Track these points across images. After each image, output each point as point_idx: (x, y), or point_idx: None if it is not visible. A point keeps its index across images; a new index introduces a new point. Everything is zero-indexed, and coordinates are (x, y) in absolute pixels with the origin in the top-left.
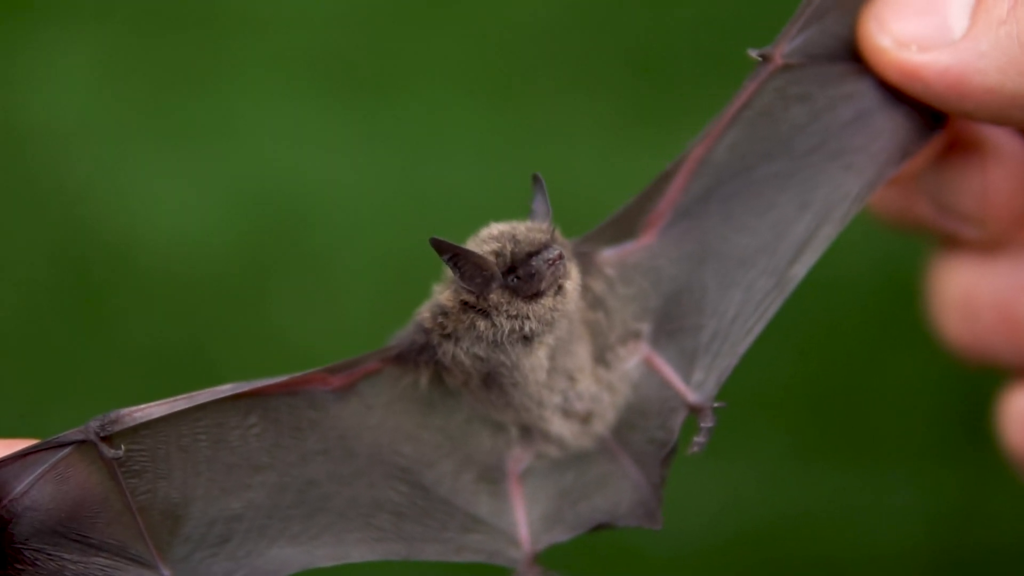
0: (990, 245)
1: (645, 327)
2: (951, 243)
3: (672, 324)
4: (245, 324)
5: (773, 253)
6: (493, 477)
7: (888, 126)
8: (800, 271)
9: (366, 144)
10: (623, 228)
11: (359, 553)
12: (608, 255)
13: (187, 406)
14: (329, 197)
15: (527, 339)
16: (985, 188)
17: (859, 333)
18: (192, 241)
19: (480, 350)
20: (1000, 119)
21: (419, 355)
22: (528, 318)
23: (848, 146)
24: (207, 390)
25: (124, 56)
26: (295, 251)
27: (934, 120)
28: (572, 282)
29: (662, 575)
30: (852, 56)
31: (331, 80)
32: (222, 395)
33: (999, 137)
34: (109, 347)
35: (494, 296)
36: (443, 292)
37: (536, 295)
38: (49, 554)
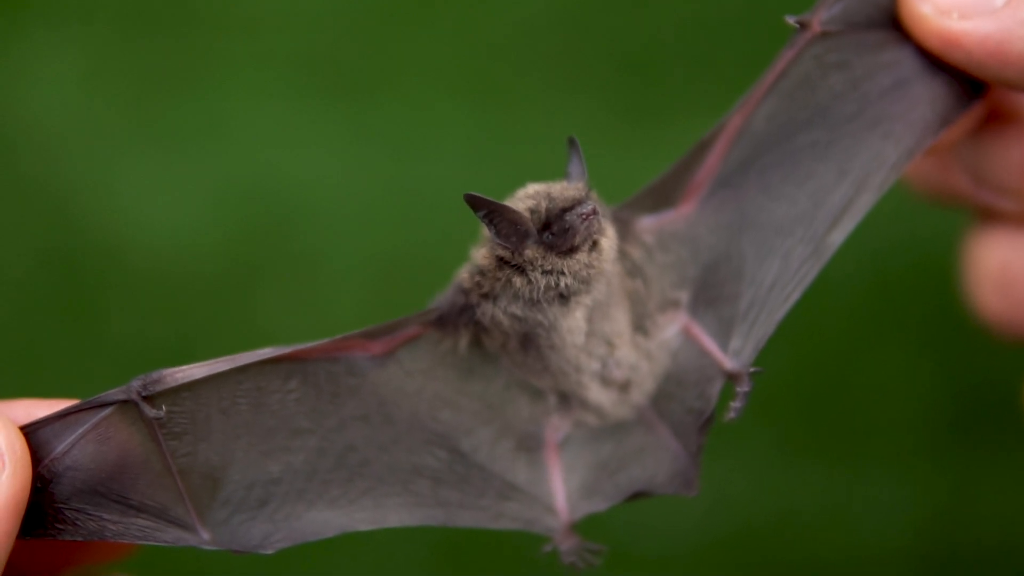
0: None
1: (684, 296)
2: (988, 216)
3: (710, 293)
4: (233, 323)
5: (811, 221)
6: (531, 445)
7: (927, 94)
8: (838, 238)
9: (354, 144)
10: (661, 197)
11: (397, 518)
12: (647, 223)
13: (228, 367)
14: (317, 197)
15: (563, 297)
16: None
17: (847, 332)
18: (181, 240)
19: (517, 309)
20: None
21: (459, 317)
22: (563, 273)
23: (887, 114)
24: (248, 352)
25: (112, 56)
26: (283, 251)
27: (974, 89)
28: (608, 240)
29: (651, 575)
30: (891, 24)
31: (319, 80)
32: (262, 357)
33: None
34: (97, 346)
35: (529, 252)
36: (479, 252)
37: (571, 250)
38: (89, 514)
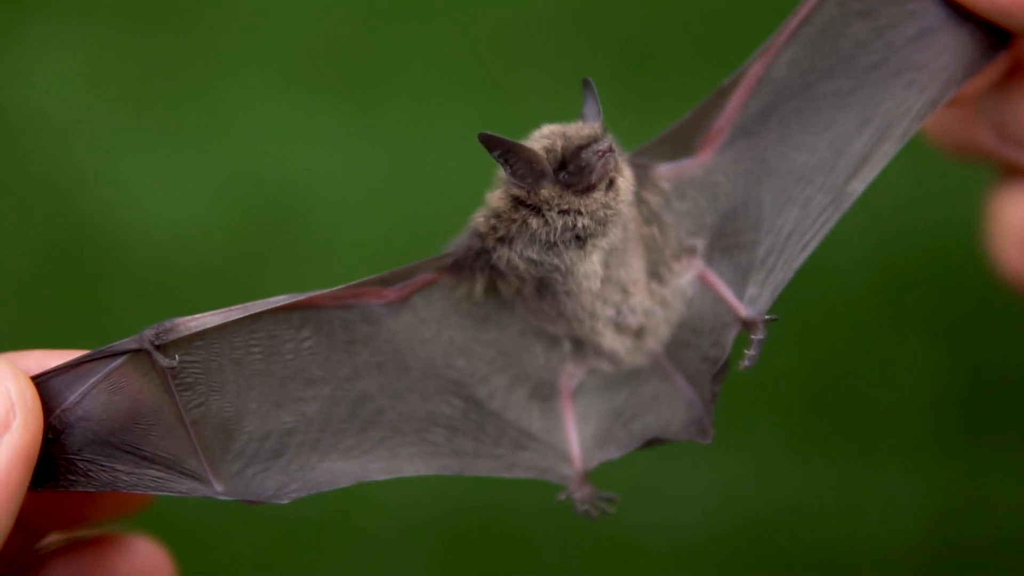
0: None
1: (700, 243)
2: (1011, 172)
3: (727, 240)
4: None
5: (831, 169)
6: (545, 394)
7: (952, 44)
8: (858, 187)
9: (357, 137)
10: (680, 144)
11: (412, 467)
12: (664, 170)
13: (241, 315)
14: (321, 190)
15: (580, 239)
16: None
17: (856, 324)
18: (184, 233)
19: (534, 252)
20: None
21: (474, 261)
22: (580, 213)
23: (910, 63)
24: (261, 300)
25: (116, 49)
26: (288, 243)
27: (999, 39)
28: (624, 180)
29: (658, 567)
30: None
31: (323, 73)
32: (276, 304)
33: None
34: (101, 338)
35: (545, 191)
36: (494, 195)
37: (588, 188)
38: (102, 465)
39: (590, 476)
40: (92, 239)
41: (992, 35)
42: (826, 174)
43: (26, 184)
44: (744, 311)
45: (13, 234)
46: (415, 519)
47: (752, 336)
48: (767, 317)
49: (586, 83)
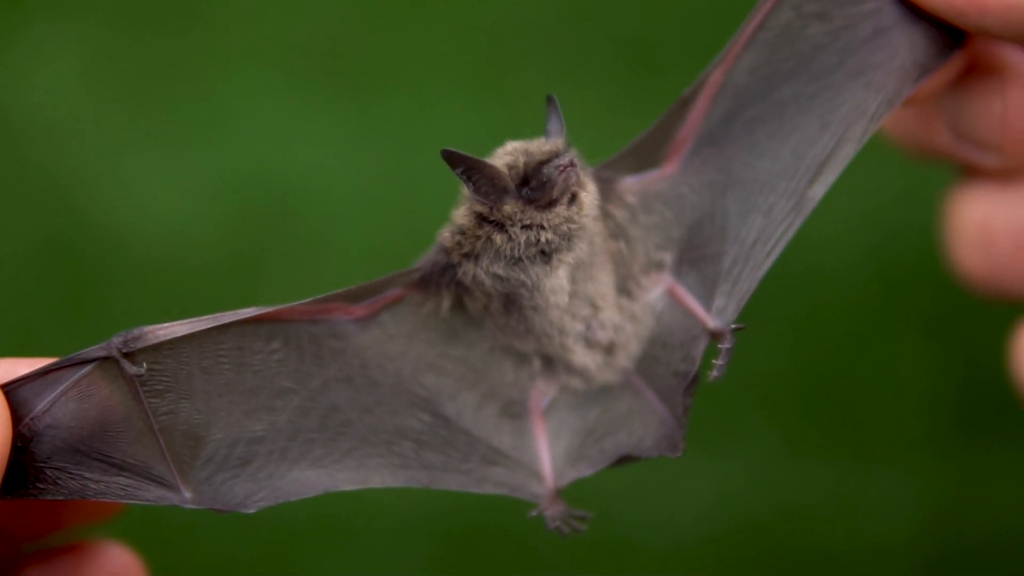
0: (1008, 173)
1: (668, 257)
2: (968, 172)
3: (694, 253)
4: None
5: (793, 175)
6: (516, 411)
7: (906, 43)
8: (819, 191)
9: (357, 135)
10: (644, 156)
11: (380, 479)
12: (630, 183)
13: (210, 326)
14: (320, 188)
15: (545, 254)
16: (1004, 114)
17: (851, 325)
18: (183, 230)
19: (499, 268)
20: (1020, 36)
21: (440, 277)
22: (543, 228)
23: (868, 63)
24: (230, 312)
25: (115, 47)
26: (287, 241)
27: (954, 38)
28: (587, 194)
29: (655, 568)
30: None
31: (322, 72)
32: (244, 316)
33: (1019, 60)
34: (98, 334)
35: (508, 207)
36: (459, 211)
37: (550, 203)
38: (71, 473)
39: (563, 493)
40: (91, 237)
41: (947, 35)
42: (788, 180)
43: (25, 183)
44: (712, 322)
45: (12, 232)
46: (411, 518)
47: (720, 346)
48: (734, 326)
49: (549, 100)
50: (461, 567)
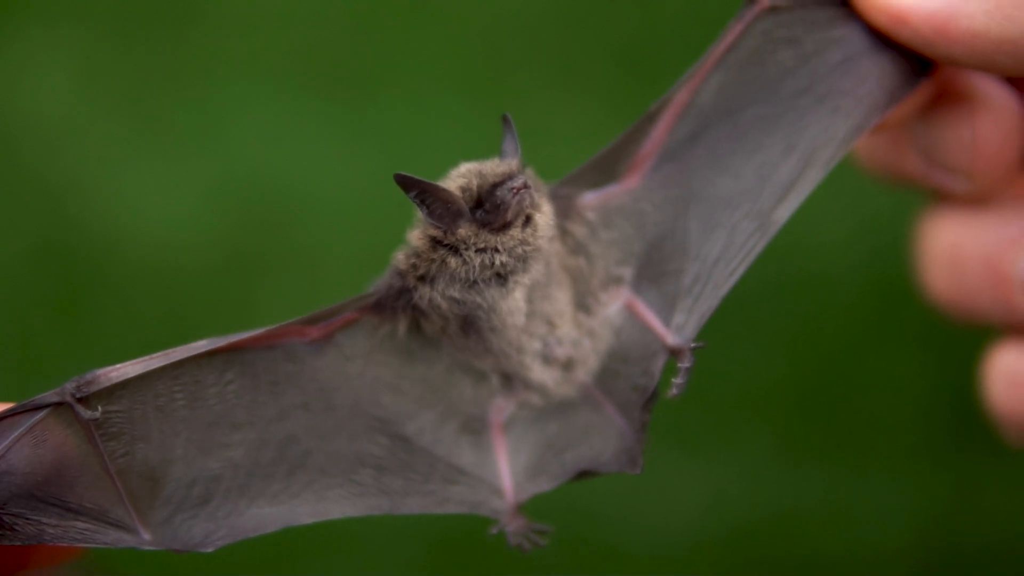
0: (977, 198)
1: (627, 272)
2: (939, 197)
3: (654, 268)
4: (231, 318)
5: (758, 196)
6: (475, 428)
7: (875, 71)
8: (783, 214)
9: (351, 139)
10: (605, 171)
11: (340, 509)
12: (590, 199)
13: (163, 363)
14: (315, 192)
15: (501, 277)
16: (973, 140)
17: (845, 331)
18: (178, 234)
19: (455, 291)
20: (987, 65)
21: (396, 300)
22: (498, 251)
23: (835, 89)
24: (182, 347)
25: (110, 53)
26: (281, 244)
27: (922, 67)
28: (543, 216)
29: (647, 573)
30: (840, 0)
31: (316, 78)
32: (198, 351)
33: (988, 88)
34: (94, 340)
35: (462, 230)
36: (414, 233)
37: (504, 226)
38: (28, 518)
39: (523, 508)
40: (86, 242)
41: (915, 63)
42: (752, 200)
43: (21, 189)
44: (671, 339)
45: (8, 238)
46: (405, 521)
47: (679, 364)
48: (693, 345)
49: (504, 119)
50: (451, 572)
